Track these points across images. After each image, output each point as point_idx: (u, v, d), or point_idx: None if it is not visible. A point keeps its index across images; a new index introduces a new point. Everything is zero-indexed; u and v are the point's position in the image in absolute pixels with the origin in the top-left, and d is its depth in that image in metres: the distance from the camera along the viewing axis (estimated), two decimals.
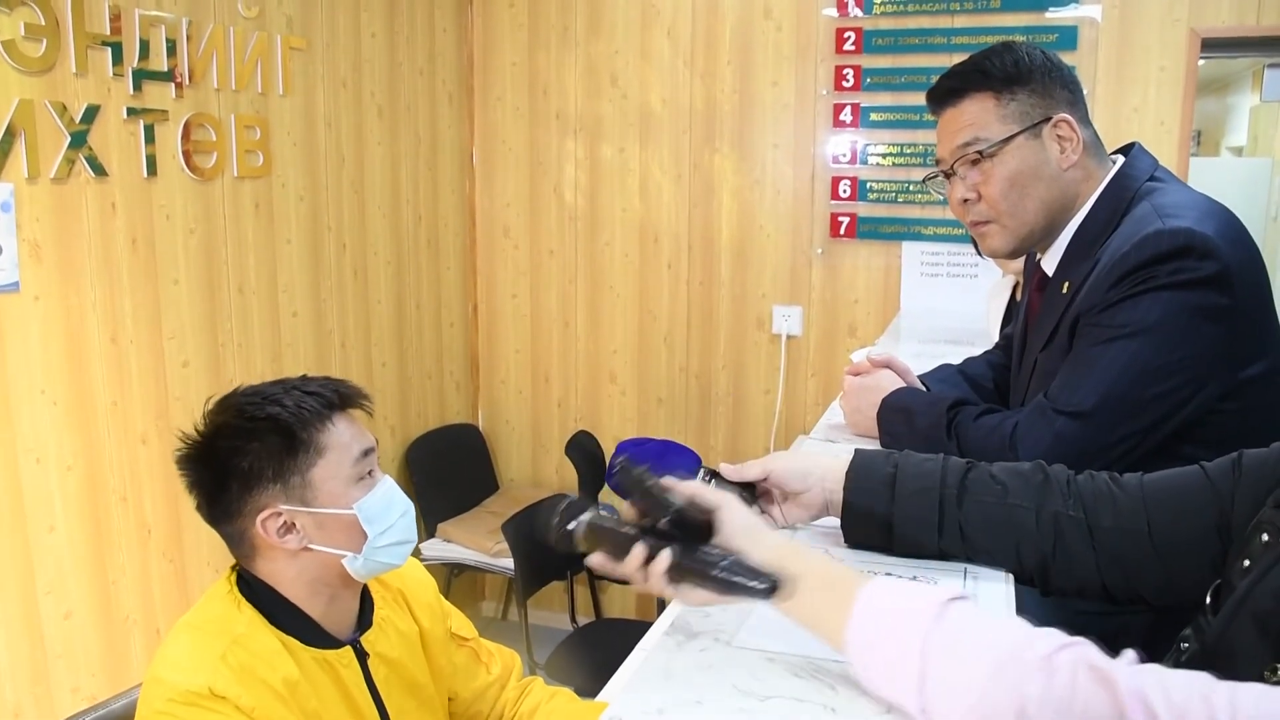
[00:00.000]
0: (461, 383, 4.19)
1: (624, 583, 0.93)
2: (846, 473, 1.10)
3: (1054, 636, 0.74)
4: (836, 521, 1.12)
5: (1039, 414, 1.28)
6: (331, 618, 1.37)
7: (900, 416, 1.45)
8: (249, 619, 1.30)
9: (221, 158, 2.84)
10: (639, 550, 0.90)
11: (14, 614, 2.32)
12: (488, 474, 4.19)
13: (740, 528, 0.91)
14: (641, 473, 0.93)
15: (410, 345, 3.84)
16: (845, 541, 1.11)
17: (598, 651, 3.04)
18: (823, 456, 1.16)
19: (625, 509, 0.95)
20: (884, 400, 1.49)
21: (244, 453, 1.30)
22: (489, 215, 4.14)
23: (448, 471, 3.93)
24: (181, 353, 2.74)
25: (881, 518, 1.07)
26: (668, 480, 0.93)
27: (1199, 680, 0.67)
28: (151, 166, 2.61)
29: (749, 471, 1.16)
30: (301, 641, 1.33)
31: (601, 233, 4.00)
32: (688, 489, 0.93)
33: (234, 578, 1.36)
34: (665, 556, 0.89)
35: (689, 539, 0.90)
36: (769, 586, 0.84)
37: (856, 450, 1.13)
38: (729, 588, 0.86)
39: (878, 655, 0.78)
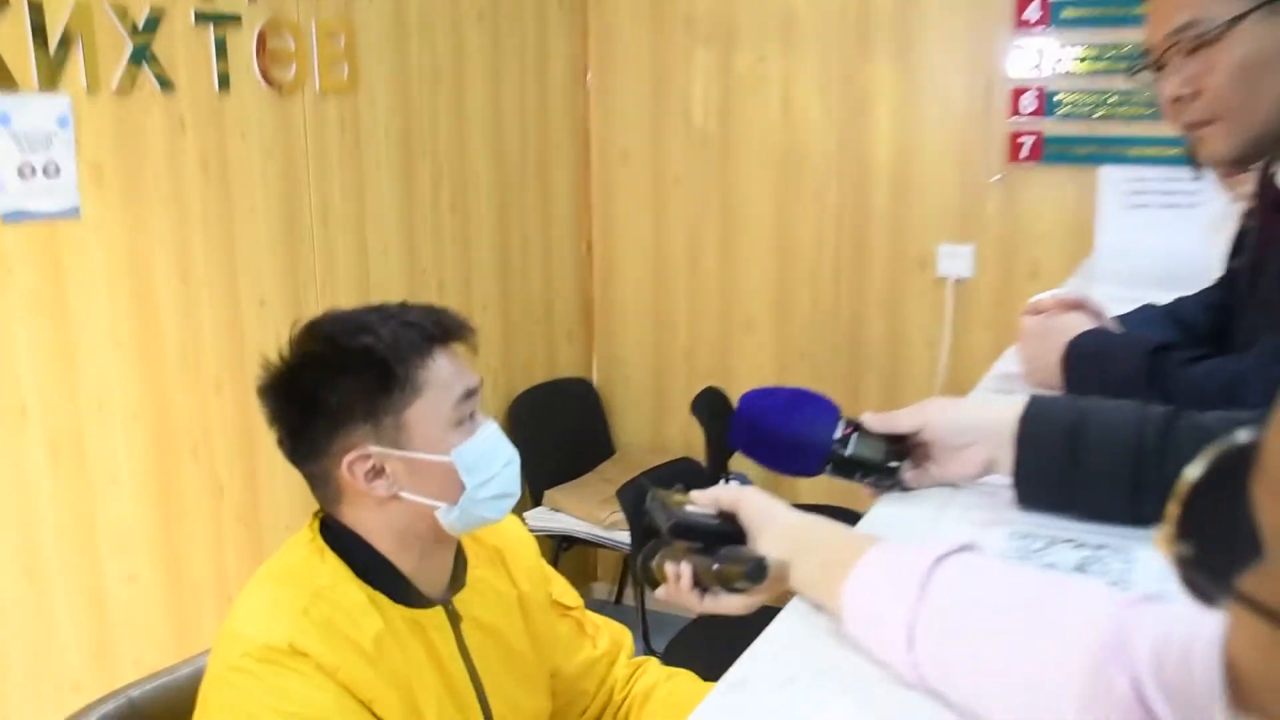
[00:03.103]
0: (574, 331, 4.08)
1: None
2: (1019, 421, 1.05)
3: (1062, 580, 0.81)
4: (1008, 480, 1.07)
5: (1274, 359, 1.20)
6: (423, 574, 1.36)
7: (1090, 364, 1.38)
8: (333, 570, 1.30)
9: (302, 70, 2.72)
10: (671, 570, 0.99)
11: (74, 576, 2.29)
12: (602, 435, 4.09)
13: (756, 513, 0.98)
14: (656, 502, 1.01)
15: (516, 288, 3.73)
16: (1018, 502, 1.06)
17: (722, 641, 2.81)
18: (989, 405, 1.14)
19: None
20: (1070, 344, 1.41)
21: (332, 387, 1.29)
22: (605, 138, 3.98)
23: (557, 432, 3.82)
24: (258, 290, 2.66)
25: (1061, 476, 1.03)
26: (694, 494, 1.02)
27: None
28: (224, 80, 2.51)
29: (900, 422, 1.11)
30: (390, 598, 1.31)
31: (736, 157, 3.79)
32: (709, 496, 1.02)
33: (317, 525, 1.35)
34: (685, 571, 0.98)
35: (725, 543, 0.98)
36: (755, 566, 0.92)
37: (1032, 396, 1.09)
38: (725, 579, 0.95)
39: (867, 623, 0.83)
